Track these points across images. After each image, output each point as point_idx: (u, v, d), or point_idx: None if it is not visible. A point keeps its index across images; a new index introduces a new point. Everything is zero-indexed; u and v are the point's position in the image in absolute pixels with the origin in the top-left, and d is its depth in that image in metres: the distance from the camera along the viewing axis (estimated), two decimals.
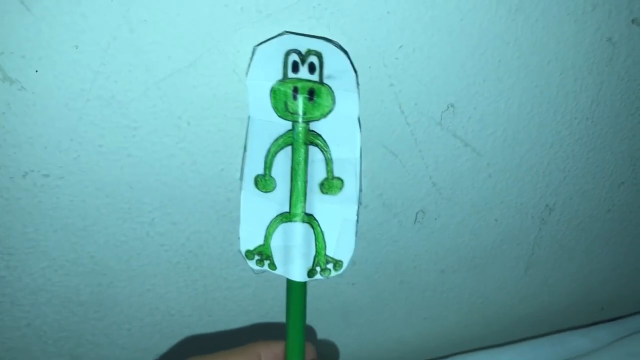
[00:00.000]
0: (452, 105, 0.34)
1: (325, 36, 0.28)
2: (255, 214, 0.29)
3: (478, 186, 0.38)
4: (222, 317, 0.36)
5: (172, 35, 0.27)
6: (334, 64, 0.27)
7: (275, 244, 0.29)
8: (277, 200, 0.28)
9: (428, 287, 0.41)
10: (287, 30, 0.27)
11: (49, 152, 0.28)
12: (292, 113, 0.27)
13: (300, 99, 0.27)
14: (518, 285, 0.44)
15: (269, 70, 0.27)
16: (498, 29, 0.32)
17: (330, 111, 0.27)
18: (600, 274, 0.48)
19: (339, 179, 0.28)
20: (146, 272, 0.33)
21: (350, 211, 0.29)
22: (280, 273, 0.29)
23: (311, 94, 0.27)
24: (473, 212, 0.39)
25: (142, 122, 0.28)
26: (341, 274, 0.29)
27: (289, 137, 0.28)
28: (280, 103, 0.27)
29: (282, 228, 0.28)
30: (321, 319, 0.39)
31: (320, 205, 0.28)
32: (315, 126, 0.28)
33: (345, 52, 0.27)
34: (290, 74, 0.27)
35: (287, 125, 0.28)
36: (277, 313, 0.37)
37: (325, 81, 0.27)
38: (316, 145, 0.28)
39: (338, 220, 0.29)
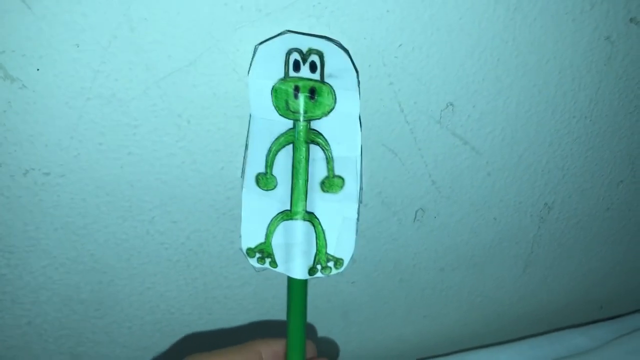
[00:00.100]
0: (451, 104, 0.34)
1: (325, 35, 0.28)
2: (256, 212, 0.29)
3: (477, 184, 0.38)
4: (222, 316, 0.36)
5: (172, 34, 0.27)
6: (335, 63, 0.27)
7: (276, 242, 0.29)
8: (278, 198, 0.28)
9: (427, 286, 0.41)
10: (288, 29, 0.28)
11: (49, 150, 0.28)
12: (293, 112, 0.27)
13: (302, 98, 0.27)
14: (517, 284, 0.45)
15: (270, 69, 0.27)
16: (497, 28, 0.32)
17: (331, 110, 0.28)
18: (599, 272, 0.48)
19: (340, 177, 0.28)
20: (146, 271, 0.33)
21: (350, 209, 0.29)
22: (281, 271, 0.29)
23: (312, 92, 0.27)
24: (472, 210, 0.39)
25: (142, 121, 0.29)
26: (342, 272, 0.29)
27: (290, 135, 0.28)
28: (282, 102, 0.27)
29: (283, 226, 0.29)
30: (321, 317, 0.39)
31: (321, 203, 0.29)
32: (316, 125, 0.28)
33: (346, 51, 0.27)
34: (292, 73, 0.27)
35: (288, 123, 0.28)
36: (277, 311, 0.38)
37: (326, 80, 0.27)
38: (317, 143, 0.28)
39: (339, 218, 0.29)
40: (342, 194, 0.28)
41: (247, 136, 0.28)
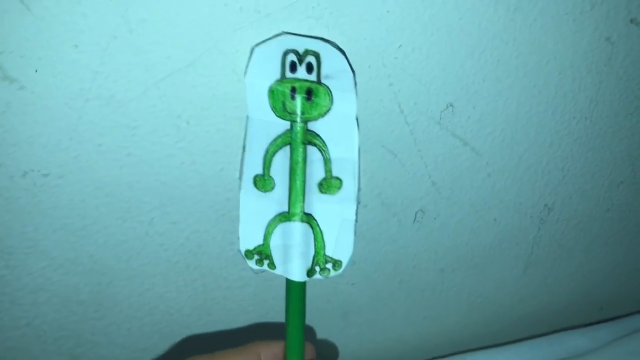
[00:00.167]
0: (451, 105, 0.34)
1: (324, 36, 0.28)
2: (254, 213, 0.29)
3: (477, 185, 0.38)
4: (221, 317, 0.36)
5: (172, 34, 0.27)
6: (331, 64, 0.27)
7: (275, 243, 0.29)
8: (276, 199, 0.28)
9: (427, 287, 0.41)
10: (286, 30, 0.28)
11: (48, 151, 0.28)
12: (290, 113, 0.27)
13: (298, 99, 0.27)
14: (517, 285, 0.44)
15: (267, 70, 0.27)
16: (497, 28, 0.32)
17: (328, 111, 0.28)
18: (600, 273, 0.48)
19: (338, 178, 0.28)
20: (145, 272, 0.33)
21: (349, 211, 0.29)
22: (279, 273, 0.29)
23: (309, 93, 0.27)
24: (472, 211, 0.39)
25: (141, 122, 0.29)
26: (340, 273, 0.29)
27: (287, 136, 0.28)
28: (279, 103, 0.27)
29: (281, 228, 0.28)
30: (320, 318, 0.39)
31: (319, 205, 0.28)
32: (313, 126, 0.28)
33: (343, 52, 0.27)
34: (288, 74, 0.27)
35: (285, 125, 0.28)
36: (276, 313, 0.37)
37: (323, 81, 0.27)
38: (314, 145, 0.28)
39: (337, 219, 0.29)
40: (340, 195, 0.28)
41: (245, 138, 0.28)
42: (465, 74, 0.33)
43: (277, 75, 0.27)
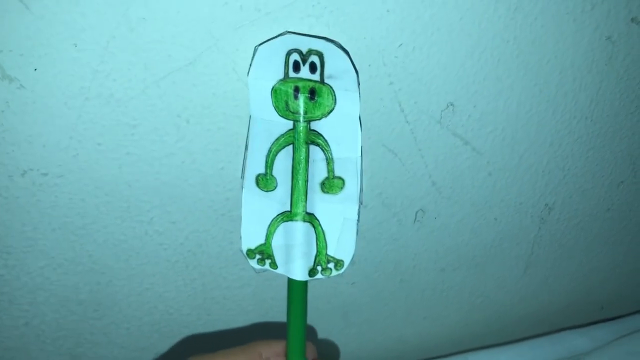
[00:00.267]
0: (451, 104, 0.34)
1: (325, 35, 0.28)
2: (256, 213, 0.29)
3: (478, 185, 0.38)
4: (221, 317, 0.36)
5: (172, 33, 0.27)
6: (335, 63, 0.27)
7: (277, 243, 0.29)
8: (278, 199, 0.28)
9: (428, 286, 0.41)
10: (288, 29, 0.27)
11: (47, 150, 0.28)
12: (293, 112, 0.27)
13: (301, 99, 0.27)
14: (518, 284, 0.44)
15: (270, 70, 0.27)
16: (497, 27, 0.32)
17: (331, 111, 0.27)
18: (600, 273, 0.48)
19: (340, 178, 0.28)
20: (145, 271, 0.33)
21: (351, 210, 0.28)
22: (281, 272, 0.29)
23: (312, 93, 0.27)
24: (473, 211, 0.39)
25: (141, 121, 0.28)
26: (342, 273, 0.29)
27: (290, 136, 0.28)
28: (282, 102, 0.27)
29: (283, 227, 0.28)
30: (321, 318, 0.39)
31: (321, 204, 0.28)
32: (316, 126, 0.28)
33: (346, 52, 0.27)
34: (292, 74, 0.27)
35: (288, 124, 0.28)
36: (277, 313, 0.37)
37: (326, 81, 0.27)
38: (317, 144, 0.28)
39: (339, 219, 0.29)
40: (342, 195, 0.28)
41: (247, 137, 0.28)
42: (466, 73, 0.33)
43: (280, 75, 0.27)
